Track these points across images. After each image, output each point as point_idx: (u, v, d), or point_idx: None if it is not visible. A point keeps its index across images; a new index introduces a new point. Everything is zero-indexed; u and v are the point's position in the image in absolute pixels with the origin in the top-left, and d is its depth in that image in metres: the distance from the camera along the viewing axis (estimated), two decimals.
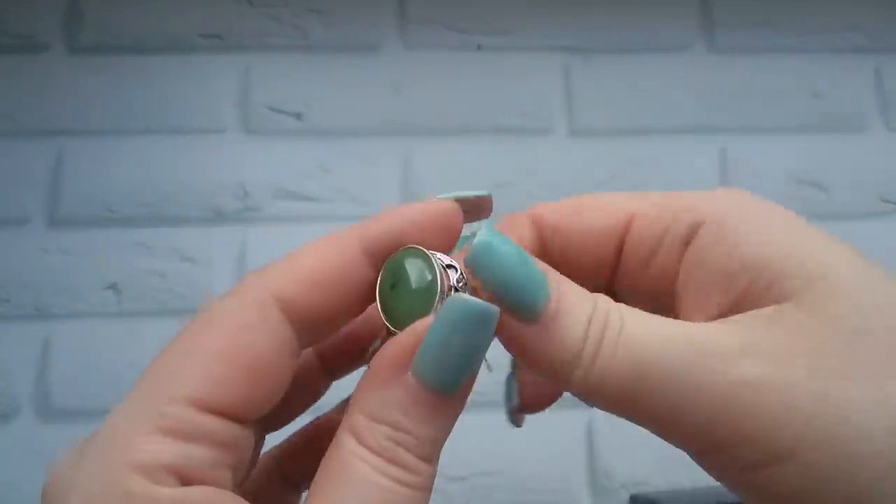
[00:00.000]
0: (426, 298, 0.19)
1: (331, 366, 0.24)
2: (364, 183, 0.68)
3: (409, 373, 0.17)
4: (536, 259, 0.18)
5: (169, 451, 0.16)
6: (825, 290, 0.17)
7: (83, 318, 0.63)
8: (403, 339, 0.18)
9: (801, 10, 0.74)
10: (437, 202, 0.20)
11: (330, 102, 0.69)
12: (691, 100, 0.71)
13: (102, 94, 0.68)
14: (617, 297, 0.20)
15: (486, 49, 0.71)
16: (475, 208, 0.21)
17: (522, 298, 0.17)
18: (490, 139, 0.69)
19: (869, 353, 0.16)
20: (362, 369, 0.21)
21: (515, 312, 0.18)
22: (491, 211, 0.21)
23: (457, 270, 0.19)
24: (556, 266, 0.19)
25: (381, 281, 0.19)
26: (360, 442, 0.17)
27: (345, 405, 0.22)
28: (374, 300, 0.19)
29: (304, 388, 0.23)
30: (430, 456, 0.17)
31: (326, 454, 0.17)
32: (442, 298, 0.19)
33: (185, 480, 0.16)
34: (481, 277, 0.17)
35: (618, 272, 0.21)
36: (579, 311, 0.18)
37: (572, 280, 0.19)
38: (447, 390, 0.17)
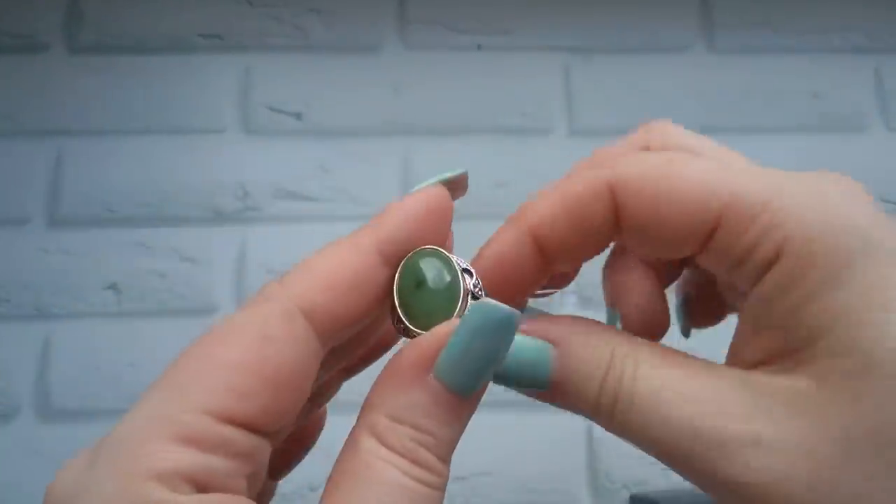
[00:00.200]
0: (449, 300, 0.19)
1: (348, 366, 0.24)
2: (364, 183, 0.68)
3: (431, 375, 0.17)
4: (538, 321, 0.19)
5: (187, 459, 0.15)
6: (872, 388, 0.16)
7: (83, 318, 0.63)
8: (427, 341, 0.18)
9: (801, 11, 0.74)
10: (431, 189, 0.20)
11: (330, 102, 0.69)
12: (691, 100, 0.71)
13: (102, 94, 0.68)
14: (700, 268, 0.20)
15: (486, 49, 0.71)
16: (456, 186, 0.21)
17: (524, 380, 0.19)
18: (490, 139, 0.69)
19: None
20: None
21: (525, 389, 0.19)
22: (466, 188, 0.22)
23: (472, 275, 0.20)
24: (635, 233, 0.19)
25: (399, 281, 0.19)
26: (383, 443, 0.17)
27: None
28: (390, 300, 0.19)
29: (320, 390, 0.24)
30: (448, 457, 0.18)
31: (343, 454, 0.17)
32: (464, 301, 0.19)
33: (202, 489, 0.15)
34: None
35: (699, 259, 0.20)
36: (590, 370, 0.18)
37: (653, 243, 0.19)
38: (466, 392, 0.18)
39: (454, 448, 0.18)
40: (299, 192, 0.67)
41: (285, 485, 0.32)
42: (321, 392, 0.24)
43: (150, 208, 0.66)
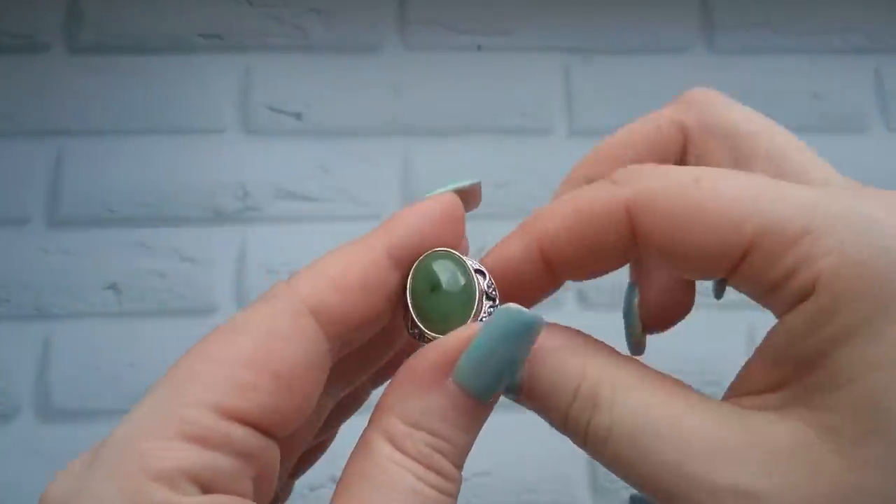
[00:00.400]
0: (465, 303, 0.19)
1: (374, 377, 0.24)
2: (364, 183, 0.68)
3: (450, 379, 0.17)
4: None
5: (190, 457, 0.15)
6: (882, 452, 0.15)
7: (83, 318, 0.63)
8: (447, 344, 0.17)
9: (801, 11, 0.74)
10: (443, 196, 0.20)
11: (330, 102, 0.69)
12: None
13: (102, 94, 0.68)
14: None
15: (486, 49, 0.71)
16: (469, 196, 0.21)
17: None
18: (490, 139, 0.69)
19: None
20: None
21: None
22: (480, 198, 0.21)
23: (485, 276, 0.19)
24: (655, 256, 0.18)
25: (412, 284, 0.19)
26: (398, 448, 0.17)
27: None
28: (401, 305, 0.19)
29: (346, 402, 0.23)
30: (462, 463, 0.17)
31: (355, 457, 0.17)
32: (480, 303, 0.19)
33: (206, 489, 0.15)
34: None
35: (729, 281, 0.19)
36: (562, 384, 0.18)
37: (675, 267, 0.18)
38: (486, 397, 0.17)
39: (468, 454, 0.18)
40: (299, 192, 0.67)
41: None
42: (347, 404, 0.23)
43: (150, 208, 0.66)
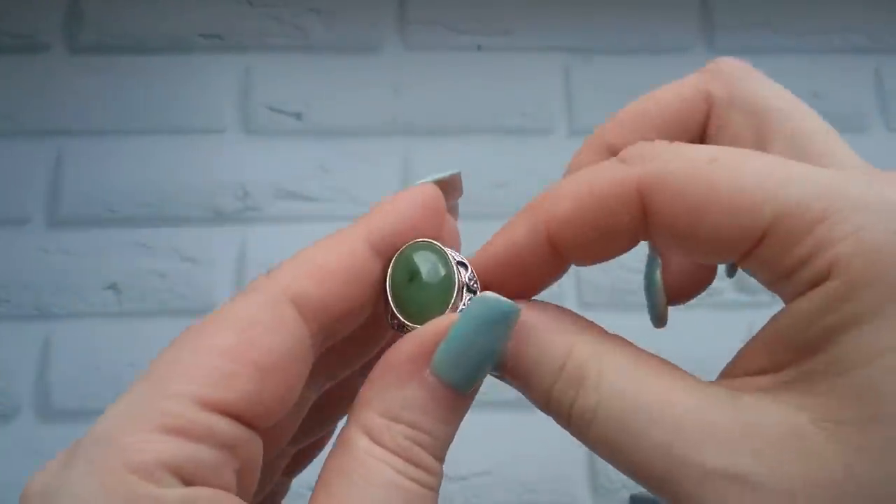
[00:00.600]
0: (444, 294, 0.18)
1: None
2: (364, 183, 0.68)
3: (428, 370, 0.17)
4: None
5: (171, 450, 0.15)
6: (880, 438, 0.14)
7: (83, 318, 0.63)
8: (424, 335, 0.17)
9: (801, 11, 0.74)
10: (423, 187, 0.20)
11: (330, 102, 0.69)
12: None
13: (102, 94, 0.68)
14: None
15: (486, 49, 0.71)
16: (450, 187, 0.21)
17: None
18: (490, 139, 0.69)
19: None
20: None
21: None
22: (461, 189, 0.21)
23: (467, 268, 0.19)
24: (667, 239, 0.17)
25: (392, 274, 0.19)
26: (376, 441, 0.16)
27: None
28: (382, 295, 0.19)
29: (342, 395, 0.23)
30: (443, 455, 0.17)
31: (334, 452, 0.17)
32: (459, 294, 0.18)
33: (188, 481, 0.15)
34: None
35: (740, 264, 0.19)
36: (546, 362, 0.17)
37: (688, 250, 0.17)
38: (465, 388, 0.17)
39: (449, 446, 0.17)
40: (299, 192, 0.67)
41: None
42: (342, 401, 0.23)
43: (151, 208, 0.66)
